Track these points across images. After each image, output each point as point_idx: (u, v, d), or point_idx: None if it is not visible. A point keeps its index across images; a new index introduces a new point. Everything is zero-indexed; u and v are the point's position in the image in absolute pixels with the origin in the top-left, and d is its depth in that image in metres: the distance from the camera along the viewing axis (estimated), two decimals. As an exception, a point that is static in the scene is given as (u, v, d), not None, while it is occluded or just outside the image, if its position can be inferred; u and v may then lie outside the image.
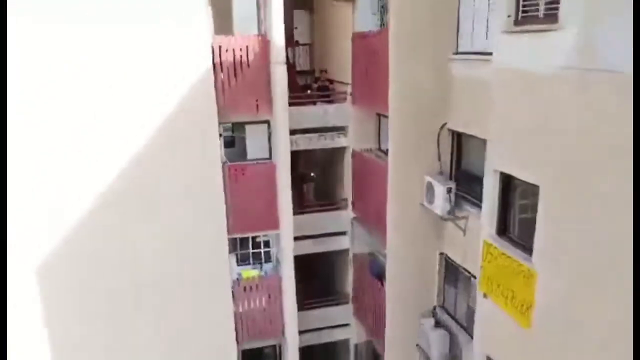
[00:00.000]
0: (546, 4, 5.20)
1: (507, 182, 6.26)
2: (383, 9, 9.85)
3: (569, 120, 5.09)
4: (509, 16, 5.69)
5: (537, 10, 5.34)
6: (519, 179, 5.95)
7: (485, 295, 6.84)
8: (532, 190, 5.70)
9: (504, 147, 6.13)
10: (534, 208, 5.65)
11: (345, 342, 12.75)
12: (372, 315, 11.27)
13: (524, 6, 5.50)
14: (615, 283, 4.75)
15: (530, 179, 5.66)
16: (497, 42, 6.10)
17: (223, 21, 10.00)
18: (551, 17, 5.10)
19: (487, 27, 7.54)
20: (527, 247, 5.92)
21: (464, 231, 8.77)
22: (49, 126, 8.57)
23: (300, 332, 11.41)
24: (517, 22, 5.65)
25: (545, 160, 5.40)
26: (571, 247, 5.25)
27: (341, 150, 11.48)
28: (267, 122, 10.34)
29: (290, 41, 11.77)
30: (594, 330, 5.09)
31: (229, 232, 10.10)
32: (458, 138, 9.05)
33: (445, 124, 9.02)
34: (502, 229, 6.48)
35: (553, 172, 5.32)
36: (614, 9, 4.54)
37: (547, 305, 5.60)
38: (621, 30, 4.40)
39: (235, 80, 9.62)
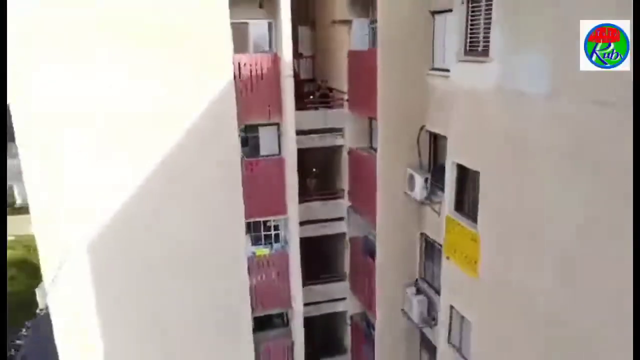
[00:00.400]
0: (483, 42, 7.32)
1: (461, 171, 8.38)
2: (373, 31, 11.95)
3: (499, 125, 7.21)
4: (460, 49, 7.82)
5: (477, 46, 7.47)
6: (467, 168, 8.08)
7: (448, 258, 8.96)
8: (476, 176, 7.82)
9: (458, 144, 8.25)
10: (478, 189, 7.77)
11: (342, 314, 14.87)
12: (365, 288, 13.38)
13: (469, 44, 7.63)
14: (536, 243, 6.84)
15: (474, 167, 7.78)
16: (453, 66, 8.24)
17: (241, 39, 12.08)
18: (485, 51, 7.22)
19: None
20: (474, 218, 8.03)
21: (439, 213, 10.86)
22: (108, 124, 10.66)
23: (304, 305, 13.50)
24: (465, 53, 7.77)
25: (484, 153, 7.53)
26: (502, 216, 7.37)
27: (339, 148, 13.59)
28: (277, 124, 12.48)
29: (295, 54, 13.86)
30: (521, 278, 7.19)
31: (245, 216, 12.22)
32: (434, 138, 11.15)
33: (424, 126, 11.13)
34: (459, 206, 8.60)
35: (489, 162, 7.44)
36: (523, 48, 6.66)
37: (487, 259, 7.72)
38: (527, 62, 6.52)
39: (252, 90, 11.74)
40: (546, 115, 6.28)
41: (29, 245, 70.55)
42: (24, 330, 62.85)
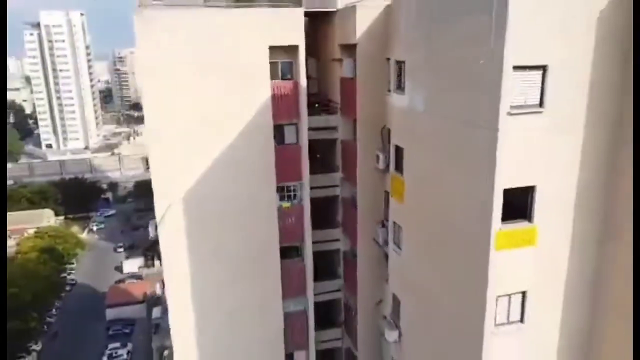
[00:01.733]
0: (403, 84, 15.03)
1: (397, 149, 16.09)
2: (355, 66, 19.59)
3: (409, 125, 14.91)
4: (394, 86, 15.55)
5: (401, 85, 15.18)
6: (400, 146, 15.79)
7: (392, 196, 16.69)
8: (403, 150, 15.53)
9: (395, 134, 15.97)
10: (403, 157, 15.51)
11: (337, 250, 22.61)
12: (352, 230, 21.08)
13: (397, 84, 15.35)
14: (429, 182, 14.43)
15: (402, 146, 15.50)
16: (392, 95, 15.96)
17: (275, 71, 19.74)
18: (403, 89, 14.95)
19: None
20: (402, 172, 15.73)
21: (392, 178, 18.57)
22: (203, 125, 18.33)
23: (312, 243, 21.20)
24: (395, 89, 15.49)
25: (405, 139, 15.24)
26: (415, 168, 15.06)
27: (335, 139, 21.30)
28: (296, 124, 20.16)
29: (306, 76, 21.52)
30: (423, 200, 14.80)
31: (276, 182, 19.90)
32: (388, 131, 18.84)
33: (385, 125, 18.82)
34: (396, 167, 16.30)
35: (407, 144, 15.15)
36: (416, 89, 14.35)
37: (408, 192, 15.42)
38: (417, 96, 14.22)
39: (281, 103, 19.43)
40: (426, 122, 13.92)
41: (54, 235, 80.00)
42: (53, 310, 72.26)
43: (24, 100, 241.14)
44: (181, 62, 17.55)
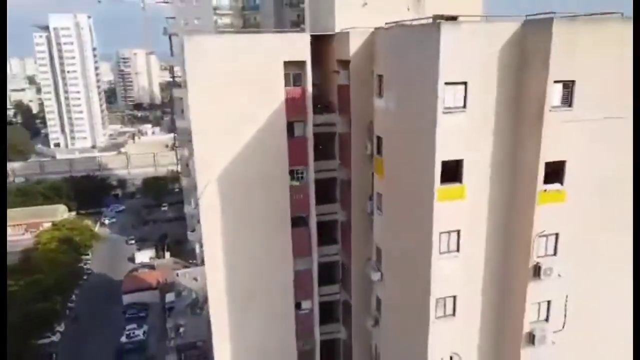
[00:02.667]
0: (382, 90, 21.18)
1: (378, 138, 22.22)
2: (349, 76, 25.68)
3: (387, 120, 21.04)
4: (377, 92, 21.68)
5: (381, 92, 21.31)
6: (380, 136, 21.92)
7: (375, 173, 22.85)
8: (382, 139, 21.64)
9: (377, 127, 22.10)
10: (382, 143, 21.63)
11: (336, 221, 28.75)
12: (347, 204, 27.20)
13: (379, 90, 21.48)
14: (404, 160, 20.52)
15: (381, 135, 21.61)
16: (375, 99, 22.09)
17: (288, 80, 25.82)
18: (382, 94, 21.10)
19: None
20: (381, 154, 21.83)
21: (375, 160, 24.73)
22: (235, 124, 24.49)
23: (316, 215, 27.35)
24: (378, 95, 21.62)
25: (383, 130, 21.37)
26: (390, 151, 21.18)
27: (334, 133, 27.44)
28: (303, 120, 26.28)
29: (311, 83, 27.62)
30: (399, 173, 20.86)
31: (288, 166, 26.03)
32: (373, 126, 25.01)
33: (371, 121, 24.94)
34: (378, 152, 22.42)
35: (385, 134, 21.27)
36: (390, 95, 20.50)
37: (386, 169, 21.56)
38: (390, 99, 20.38)
39: (292, 104, 25.54)
40: (396, 118, 20.02)
41: (71, 227, 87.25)
42: (73, 296, 79.95)
43: (30, 101, 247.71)
44: (218, 74, 23.70)
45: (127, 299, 79.58)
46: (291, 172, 26.67)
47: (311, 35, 25.06)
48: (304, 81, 25.50)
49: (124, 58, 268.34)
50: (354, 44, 23.95)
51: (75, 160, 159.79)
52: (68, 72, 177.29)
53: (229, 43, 23.96)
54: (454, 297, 18.47)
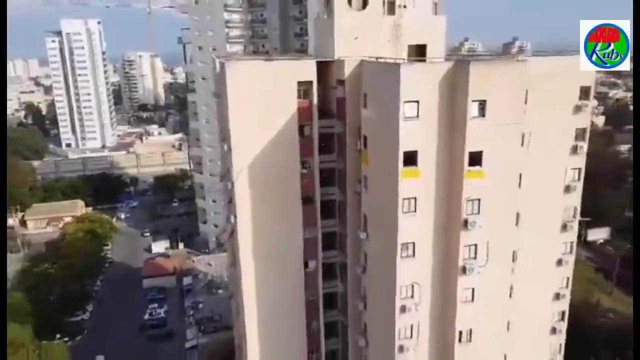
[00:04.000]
0: (366, 103, 30.59)
1: (364, 137, 31.57)
2: (344, 91, 35.05)
3: (371, 124, 30.44)
4: (362, 103, 31.11)
5: (366, 104, 30.70)
6: (365, 136, 31.26)
7: (362, 162, 32.26)
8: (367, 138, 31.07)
9: (363, 129, 31.49)
10: (367, 139, 31.08)
11: (334, 200, 38.16)
12: (343, 187, 36.60)
13: (364, 103, 30.87)
14: (383, 148, 29.90)
15: (366, 135, 30.98)
16: (362, 109, 31.48)
17: (299, 95, 35.25)
18: (367, 106, 30.51)
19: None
20: (367, 148, 31.22)
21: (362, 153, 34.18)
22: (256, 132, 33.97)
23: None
24: (364, 106, 31.01)
25: (368, 131, 30.75)
26: (371, 145, 30.57)
27: (333, 133, 36.86)
28: (310, 124, 35.68)
29: (316, 96, 36.96)
30: (376, 162, 30.21)
31: (299, 157, 35.44)
32: (361, 128, 34.48)
33: (360, 125, 34.34)
34: (364, 146, 31.79)
35: (369, 133, 30.65)
36: (371, 105, 29.90)
37: (369, 159, 30.96)
38: (372, 113, 29.81)
39: (302, 113, 34.95)
40: (374, 123, 29.37)
41: (92, 220, 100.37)
42: (98, 281, 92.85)
43: (39, 102, 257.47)
44: (249, 89, 33.04)
45: (146, 283, 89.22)
46: (301, 163, 36.02)
47: (317, 62, 34.55)
48: (311, 95, 34.87)
49: (129, 60, 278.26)
50: (348, 69, 33.38)
51: (88, 159, 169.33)
52: (79, 75, 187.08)
53: (258, 68, 33.50)
54: (413, 243, 27.85)
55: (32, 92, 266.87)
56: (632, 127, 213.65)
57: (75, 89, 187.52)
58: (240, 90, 32.84)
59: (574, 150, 32.04)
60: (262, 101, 33.42)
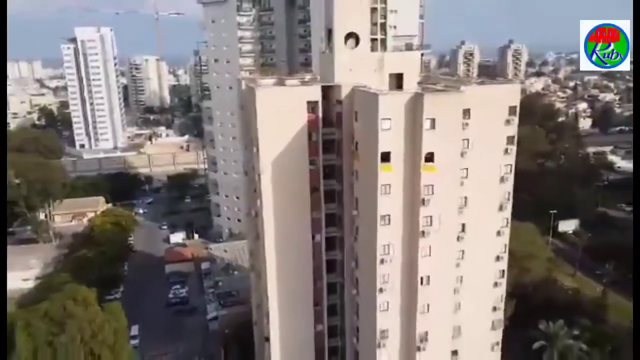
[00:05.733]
0: (358, 117, 43.71)
1: (356, 142, 44.66)
2: (342, 107, 48.12)
3: (360, 132, 43.56)
4: (354, 117, 44.23)
5: (357, 118, 43.77)
6: (357, 141, 44.43)
7: (355, 160, 45.37)
8: (358, 143, 44.16)
9: (355, 136, 44.59)
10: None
11: (334, 189, 51.33)
12: (340, 179, 49.76)
13: (356, 116, 43.98)
14: (366, 151, 43.02)
15: (357, 141, 44.08)
16: (354, 121, 44.60)
17: (309, 108, 48.36)
18: (357, 119, 43.63)
19: (358, 116, 45.99)
20: (358, 150, 44.33)
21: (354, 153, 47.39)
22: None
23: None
24: (355, 120, 44.10)
25: (358, 137, 43.87)
26: (361, 147, 43.70)
27: (334, 139, 49.98)
28: (317, 132, 48.78)
29: (321, 110, 49.96)
30: (364, 159, 43.28)
31: (308, 157, 48.56)
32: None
33: (353, 133, 47.52)
34: (356, 149, 44.89)
35: (359, 139, 43.77)
36: (361, 118, 43.04)
37: (360, 157, 44.08)
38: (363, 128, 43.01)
39: (310, 123, 48.06)
40: (361, 131, 42.40)
41: (116, 214, 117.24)
42: (125, 267, 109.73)
43: (49, 105, 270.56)
44: (273, 106, 46.09)
45: (168, 268, 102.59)
46: (310, 161, 49.02)
47: (321, 86, 47.77)
48: (317, 110, 47.94)
49: (135, 64, 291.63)
50: (344, 92, 46.50)
51: (103, 159, 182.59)
52: (93, 79, 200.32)
53: (279, 92, 46.82)
54: (389, 215, 40.88)
55: (42, 94, 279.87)
56: (617, 128, 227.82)
57: (89, 92, 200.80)
58: (266, 108, 45.98)
59: (506, 151, 45.25)
60: (282, 115, 46.58)
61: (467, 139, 42.63)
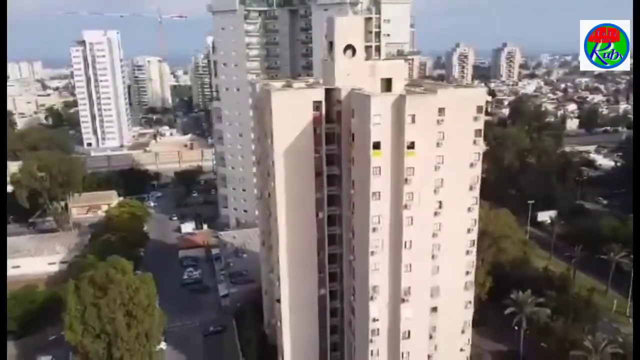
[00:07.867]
0: (354, 114, 54.71)
1: (353, 134, 55.62)
2: (342, 106, 58.99)
3: (357, 128, 54.52)
4: (352, 114, 55.19)
5: (354, 115, 54.71)
6: (354, 133, 55.32)
7: (353, 151, 56.37)
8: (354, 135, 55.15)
9: (352, 129, 55.54)
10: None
11: (335, 174, 62.28)
12: (340, 165, 60.71)
13: (353, 114, 54.98)
14: (361, 143, 53.97)
15: (354, 133, 55.04)
16: (351, 118, 55.58)
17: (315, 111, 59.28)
18: (354, 116, 54.66)
19: (355, 113, 56.91)
20: (354, 142, 55.28)
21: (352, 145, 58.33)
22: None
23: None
24: (352, 116, 55.07)
25: (355, 131, 54.92)
26: (357, 140, 54.62)
27: (334, 132, 60.95)
28: (320, 126, 59.69)
29: (325, 108, 60.81)
30: (360, 150, 54.23)
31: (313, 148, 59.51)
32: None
33: (351, 127, 58.49)
34: (353, 140, 55.81)
35: (356, 133, 54.73)
36: (357, 117, 54.04)
37: (355, 146, 55.06)
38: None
39: (315, 120, 58.99)
40: (358, 127, 53.28)
41: (131, 205, 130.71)
42: (142, 252, 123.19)
43: (54, 105, 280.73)
44: (285, 106, 56.99)
45: (181, 253, 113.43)
46: (315, 150, 59.86)
47: (325, 89, 58.76)
48: (321, 109, 58.84)
49: (138, 65, 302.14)
50: (343, 93, 57.47)
51: (112, 157, 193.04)
52: (100, 80, 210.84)
53: (290, 94, 57.71)
54: (379, 192, 51.70)
55: (48, 95, 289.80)
56: (602, 129, 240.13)
57: (96, 93, 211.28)
58: (280, 107, 56.95)
59: (474, 142, 56.35)
60: (292, 112, 57.55)
61: (442, 132, 53.71)
